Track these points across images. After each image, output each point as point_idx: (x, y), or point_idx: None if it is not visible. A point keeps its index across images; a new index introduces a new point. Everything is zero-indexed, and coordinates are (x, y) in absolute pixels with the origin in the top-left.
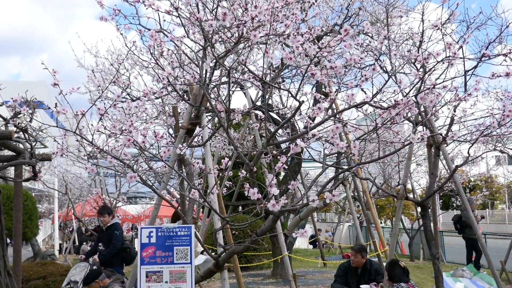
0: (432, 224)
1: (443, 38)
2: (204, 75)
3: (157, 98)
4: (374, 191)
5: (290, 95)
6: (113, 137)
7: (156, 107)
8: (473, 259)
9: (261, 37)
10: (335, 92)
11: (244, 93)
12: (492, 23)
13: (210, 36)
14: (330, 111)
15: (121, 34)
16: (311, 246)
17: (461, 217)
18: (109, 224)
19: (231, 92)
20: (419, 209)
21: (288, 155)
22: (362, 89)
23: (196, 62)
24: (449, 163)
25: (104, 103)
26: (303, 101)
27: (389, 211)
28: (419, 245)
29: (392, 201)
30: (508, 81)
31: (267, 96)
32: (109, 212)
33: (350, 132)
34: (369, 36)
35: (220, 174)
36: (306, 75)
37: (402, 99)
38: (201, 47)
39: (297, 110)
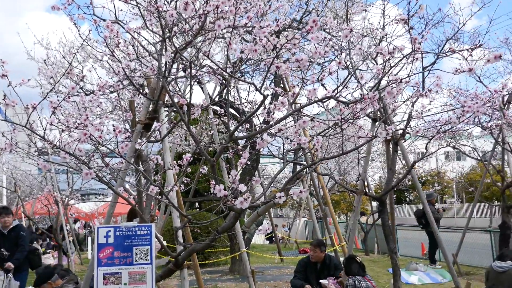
0: (389, 219)
1: (409, 31)
2: (163, 68)
3: (112, 92)
4: (329, 186)
5: (254, 88)
6: (67, 131)
7: (111, 102)
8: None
9: (224, 28)
10: (300, 86)
11: (202, 88)
12: (449, 20)
13: (170, 26)
14: (293, 105)
15: (74, 24)
16: (267, 242)
17: (424, 212)
18: (12, 226)
19: (190, 87)
20: (374, 204)
21: (254, 150)
22: (322, 85)
23: (154, 55)
24: (407, 158)
25: (57, 96)
26: (267, 95)
27: (344, 206)
28: (374, 240)
29: (347, 196)
30: (461, 79)
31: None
32: (12, 212)
33: (312, 127)
34: (327, 32)
35: (180, 170)
36: (269, 68)
37: (367, 94)
38: (160, 38)
39: (262, 104)
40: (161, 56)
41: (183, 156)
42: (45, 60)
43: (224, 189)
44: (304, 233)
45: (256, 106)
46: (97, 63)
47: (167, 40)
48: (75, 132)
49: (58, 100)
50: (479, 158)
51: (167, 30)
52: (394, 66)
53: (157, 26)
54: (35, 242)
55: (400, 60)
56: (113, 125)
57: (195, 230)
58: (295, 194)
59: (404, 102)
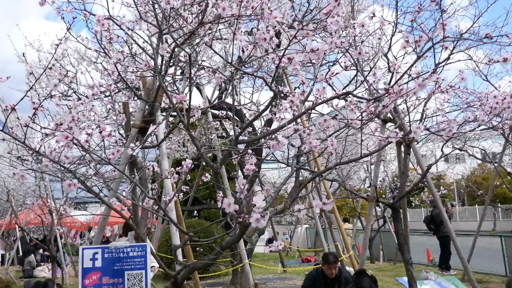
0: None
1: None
2: (160, 63)
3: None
4: (331, 191)
5: (265, 84)
6: (51, 136)
7: (105, 105)
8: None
9: (227, 18)
10: (313, 82)
11: (200, 91)
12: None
13: (168, 15)
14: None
15: (62, 18)
16: (268, 247)
17: (433, 217)
18: None
19: (190, 86)
20: (378, 209)
21: (268, 153)
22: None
23: (149, 52)
24: (421, 161)
25: (39, 98)
26: (279, 91)
27: (346, 212)
28: (379, 246)
29: (349, 201)
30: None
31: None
32: None
33: (324, 129)
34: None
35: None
36: (280, 59)
37: (392, 87)
38: (156, 29)
39: (273, 101)
40: (158, 51)
41: (183, 162)
42: (23, 53)
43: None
44: (306, 240)
45: (261, 106)
46: (91, 65)
47: (164, 32)
48: (56, 136)
49: (40, 100)
50: (489, 160)
51: (164, 22)
52: (423, 55)
53: (153, 17)
54: (31, 254)
55: (429, 49)
56: (98, 126)
57: (197, 248)
58: (318, 207)
59: (426, 99)
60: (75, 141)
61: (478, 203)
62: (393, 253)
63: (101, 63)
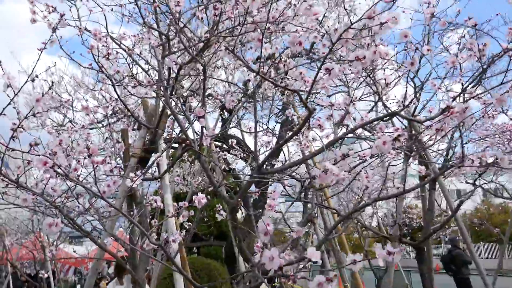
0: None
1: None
2: (165, 76)
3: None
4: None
5: (299, 99)
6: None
7: (102, 134)
8: None
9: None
10: (350, 101)
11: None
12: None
13: (178, 18)
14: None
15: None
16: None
17: (454, 256)
18: None
19: (203, 102)
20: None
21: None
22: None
23: (151, 73)
24: (449, 197)
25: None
26: (314, 109)
27: (350, 249)
28: (388, 286)
29: (353, 238)
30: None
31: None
32: None
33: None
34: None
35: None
36: (320, 68)
37: (454, 105)
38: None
39: (308, 119)
40: (163, 62)
41: (194, 196)
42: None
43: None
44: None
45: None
46: (88, 93)
47: (171, 38)
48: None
49: (19, 119)
50: (510, 196)
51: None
52: (492, 61)
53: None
54: None
55: (499, 57)
56: (86, 147)
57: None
58: (381, 257)
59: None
60: (57, 169)
61: (482, 239)
62: None
63: (98, 91)
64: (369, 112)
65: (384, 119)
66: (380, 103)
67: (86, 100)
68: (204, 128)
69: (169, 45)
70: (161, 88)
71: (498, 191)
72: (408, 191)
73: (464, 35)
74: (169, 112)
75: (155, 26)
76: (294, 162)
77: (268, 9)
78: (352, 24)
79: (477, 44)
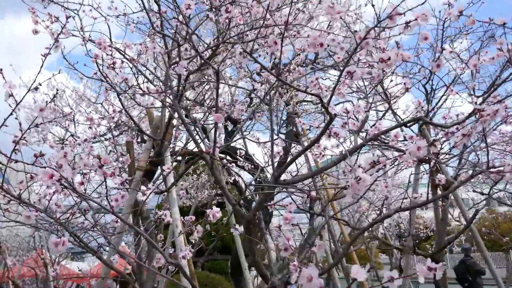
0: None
1: None
2: (173, 84)
3: (106, 138)
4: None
5: (320, 103)
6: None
7: (105, 148)
8: None
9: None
10: (369, 107)
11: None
12: None
13: (187, 22)
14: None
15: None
16: None
17: (468, 266)
18: None
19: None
20: (384, 256)
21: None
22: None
23: (155, 84)
24: (463, 207)
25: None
26: (336, 115)
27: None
28: None
29: (362, 250)
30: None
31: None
32: None
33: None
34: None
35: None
36: (342, 72)
37: (483, 106)
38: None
39: (329, 125)
40: (170, 69)
41: (208, 210)
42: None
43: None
44: None
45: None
46: (90, 106)
47: (181, 44)
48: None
49: (21, 130)
50: None
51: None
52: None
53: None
54: None
55: None
56: (98, 156)
57: None
58: (423, 274)
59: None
60: (64, 182)
61: (488, 249)
62: None
63: (101, 104)
64: (380, 119)
65: (408, 125)
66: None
67: (89, 113)
68: (217, 137)
69: (179, 50)
70: (170, 96)
71: (503, 199)
72: (430, 201)
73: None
74: (175, 123)
75: (161, 33)
76: (314, 172)
77: (289, 11)
78: (379, 22)
79: (506, 44)
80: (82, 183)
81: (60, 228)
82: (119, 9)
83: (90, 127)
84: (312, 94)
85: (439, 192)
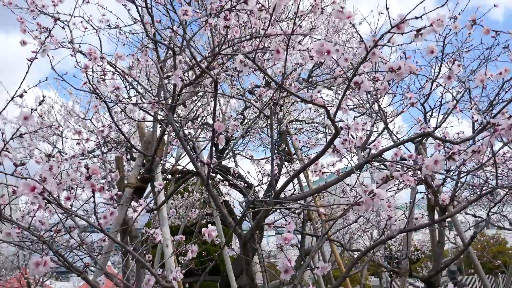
0: None
1: None
2: (168, 93)
3: (94, 155)
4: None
5: (327, 116)
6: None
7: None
8: None
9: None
10: (372, 124)
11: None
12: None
13: (184, 23)
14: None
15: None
16: None
17: None
18: None
19: (213, 118)
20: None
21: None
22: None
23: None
24: (460, 229)
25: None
26: (342, 128)
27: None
28: None
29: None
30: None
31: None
32: None
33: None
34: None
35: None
36: (350, 81)
37: (499, 121)
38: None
39: (335, 138)
40: (163, 81)
41: (204, 229)
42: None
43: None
44: None
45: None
46: (79, 123)
47: (177, 53)
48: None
49: (4, 140)
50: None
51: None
52: None
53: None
54: None
55: None
56: (85, 166)
57: None
58: None
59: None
60: (48, 196)
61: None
62: None
63: (89, 119)
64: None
65: (416, 140)
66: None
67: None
68: (214, 150)
69: (175, 58)
70: (163, 109)
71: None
72: (437, 221)
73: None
74: (166, 139)
75: (155, 41)
76: (317, 189)
77: (294, 18)
78: (392, 27)
79: None
80: (68, 198)
81: (44, 246)
82: (111, 22)
83: (78, 143)
84: (318, 105)
85: (436, 213)
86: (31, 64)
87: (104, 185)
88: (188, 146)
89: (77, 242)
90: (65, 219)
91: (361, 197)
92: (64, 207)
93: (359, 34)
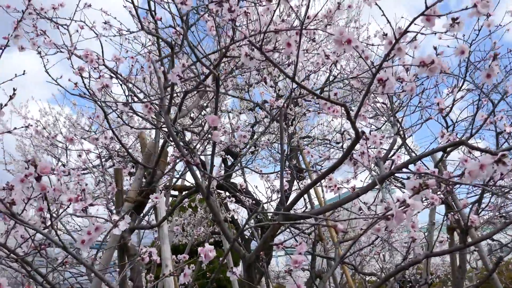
0: None
1: None
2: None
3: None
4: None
5: (347, 117)
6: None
7: (94, 178)
8: None
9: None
10: (399, 127)
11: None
12: None
13: (186, 19)
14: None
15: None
16: None
17: None
18: None
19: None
20: None
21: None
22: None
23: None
24: (484, 254)
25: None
26: (363, 132)
27: None
28: None
29: None
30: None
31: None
32: None
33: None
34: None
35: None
36: (369, 86)
37: None
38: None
39: (354, 146)
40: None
41: (200, 248)
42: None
43: None
44: None
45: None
46: (83, 135)
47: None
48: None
49: None
50: None
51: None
52: None
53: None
54: None
55: None
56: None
57: None
58: None
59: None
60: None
61: None
62: None
63: (95, 132)
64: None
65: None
66: (402, 145)
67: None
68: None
69: (173, 56)
70: (160, 112)
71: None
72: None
73: None
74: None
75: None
76: (333, 204)
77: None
78: (414, 19)
79: None
80: (41, 209)
81: (21, 265)
82: (114, 26)
83: (80, 155)
84: (337, 103)
85: (456, 235)
86: (1, 52)
87: (82, 191)
88: (184, 149)
89: (69, 261)
90: (34, 235)
91: (390, 210)
92: (18, 218)
93: (381, 29)
